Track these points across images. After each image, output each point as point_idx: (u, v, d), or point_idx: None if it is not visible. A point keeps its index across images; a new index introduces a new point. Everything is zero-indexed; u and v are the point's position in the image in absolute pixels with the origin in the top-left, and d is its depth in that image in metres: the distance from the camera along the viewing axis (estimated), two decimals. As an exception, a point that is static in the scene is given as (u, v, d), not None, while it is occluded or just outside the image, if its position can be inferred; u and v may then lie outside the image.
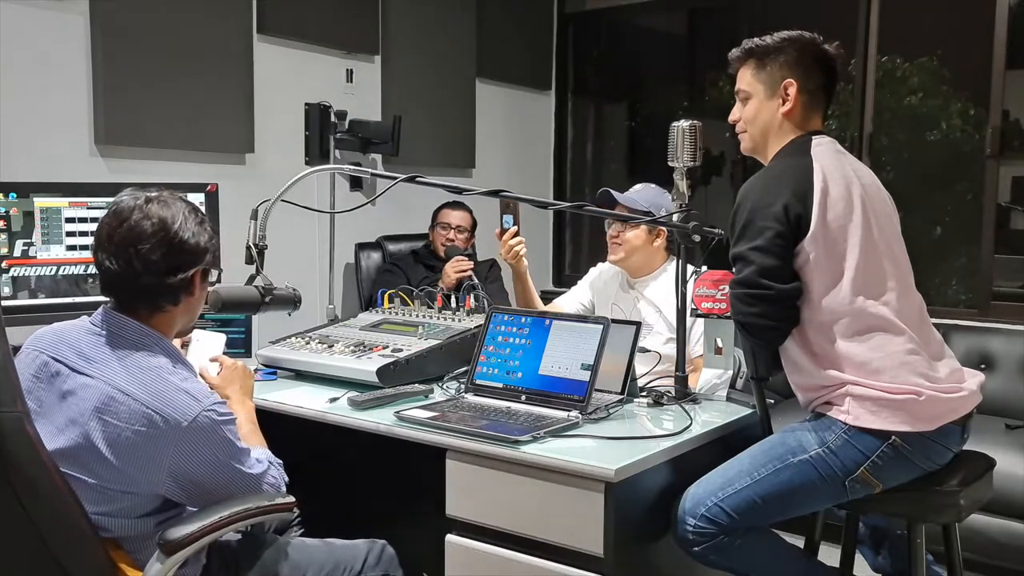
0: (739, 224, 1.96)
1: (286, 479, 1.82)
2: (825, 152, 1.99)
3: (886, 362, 1.87)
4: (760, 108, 2.08)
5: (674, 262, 2.84)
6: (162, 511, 1.68)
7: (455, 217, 4.06)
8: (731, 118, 2.15)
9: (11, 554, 1.57)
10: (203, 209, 2.87)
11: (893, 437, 1.84)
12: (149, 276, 1.65)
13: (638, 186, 2.90)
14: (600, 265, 3.06)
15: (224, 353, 2.26)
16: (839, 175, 1.95)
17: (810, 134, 2.04)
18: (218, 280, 1.96)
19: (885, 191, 2.08)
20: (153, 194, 1.69)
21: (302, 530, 2.14)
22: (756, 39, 2.09)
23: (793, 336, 1.95)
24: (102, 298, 1.73)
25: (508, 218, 2.70)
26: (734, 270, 1.98)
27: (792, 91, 2.03)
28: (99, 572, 1.59)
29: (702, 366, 2.35)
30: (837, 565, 2.26)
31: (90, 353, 1.64)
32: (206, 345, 2.17)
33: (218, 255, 1.78)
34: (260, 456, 1.78)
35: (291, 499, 1.74)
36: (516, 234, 2.71)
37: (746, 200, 1.96)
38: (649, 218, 2.65)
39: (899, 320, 1.90)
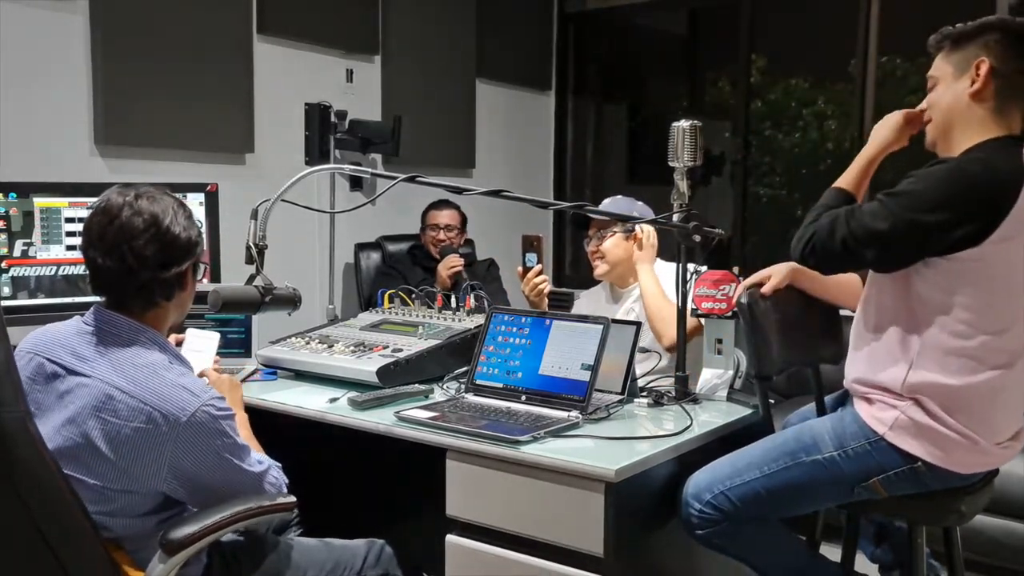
0: (909, 184, 1.73)
1: (286, 481, 1.82)
2: None
3: (978, 402, 1.76)
4: (946, 91, 1.85)
5: (657, 264, 2.86)
6: (163, 510, 1.68)
7: (444, 216, 4.06)
8: (919, 107, 1.94)
9: (13, 553, 1.57)
10: (204, 208, 2.91)
11: (920, 463, 1.78)
12: (144, 272, 1.65)
13: (608, 200, 2.89)
14: (584, 294, 3.06)
15: (220, 353, 2.27)
16: None
17: (1019, 140, 1.79)
18: (204, 276, 1.97)
19: None
20: (141, 190, 1.69)
21: (301, 530, 2.14)
22: (957, 24, 1.86)
23: (905, 328, 1.80)
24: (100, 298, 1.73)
25: (532, 256, 2.63)
26: (870, 202, 1.78)
27: (983, 69, 1.78)
28: (100, 572, 1.59)
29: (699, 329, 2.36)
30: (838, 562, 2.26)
31: (85, 353, 1.64)
32: (200, 344, 2.17)
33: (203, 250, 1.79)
34: (261, 458, 1.78)
35: (292, 499, 1.74)
36: (540, 272, 2.65)
37: (937, 175, 1.72)
38: (645, 220, 2.65)
39: (1016, 371, 1.77)
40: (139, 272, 1.64)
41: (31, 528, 1.51)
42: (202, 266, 1.80)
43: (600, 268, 2.84)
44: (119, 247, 1.63)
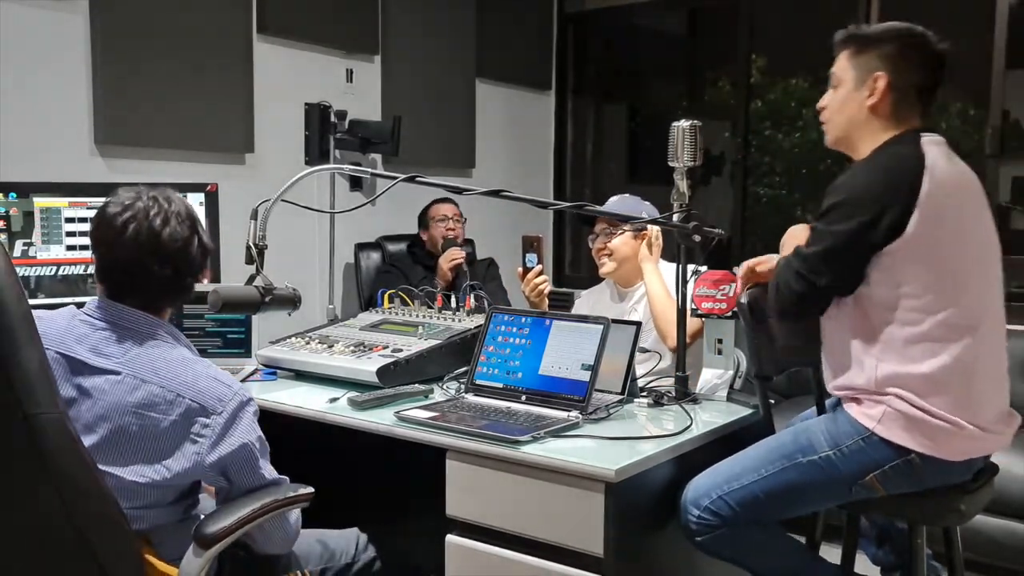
0: (831, 200, 1.85)
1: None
2: (938, 154, 1.85)
3: (949, 382, 1.80)
4: (847, 98, 1.96)
5: (662, 263, 2.85)
6: (187, 496, 1.72)
7: (449, 209, 4.07)
8: (819, 104, 2.05)
9: (52, 553, 1.57)
10: (203, 208, 2.91)
11: (913, 455, 1.80)
12: (187, 277, 1.71)
13: (614, 198, 2.88)
14: (585, 293, 3.05)
15: (221, 353, 2.28)
16: (950, 181, 1.84)
17: (917, 131, 1.90)
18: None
19: (985, 199, 1.96)
20: (165, 193, 1.71)
21: None
22: (862, 25, 1.98)
23: (863, 330, 1.87)
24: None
25: (532, 257, 2.63)
26: (808, 239, 1.90)
27: (880, 84, 1.91)
28: (135, 568, 1.61)
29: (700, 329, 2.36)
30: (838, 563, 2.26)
31: (107, 348, 1.65)
32: None
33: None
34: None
35: (311, 489, 1.77)
36: (541, 272, 2.64)
37: (852, 179, 1.85)
38: (643, 220, 2.65)
39: (977, 343, 1.82)
40: (184, 277, 1.70)
41: (70, 528, 1.52)
42: None
43: (607, 266, 2.83)
44: (168, 253, 1.66)
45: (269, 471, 1.73)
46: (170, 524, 1.69)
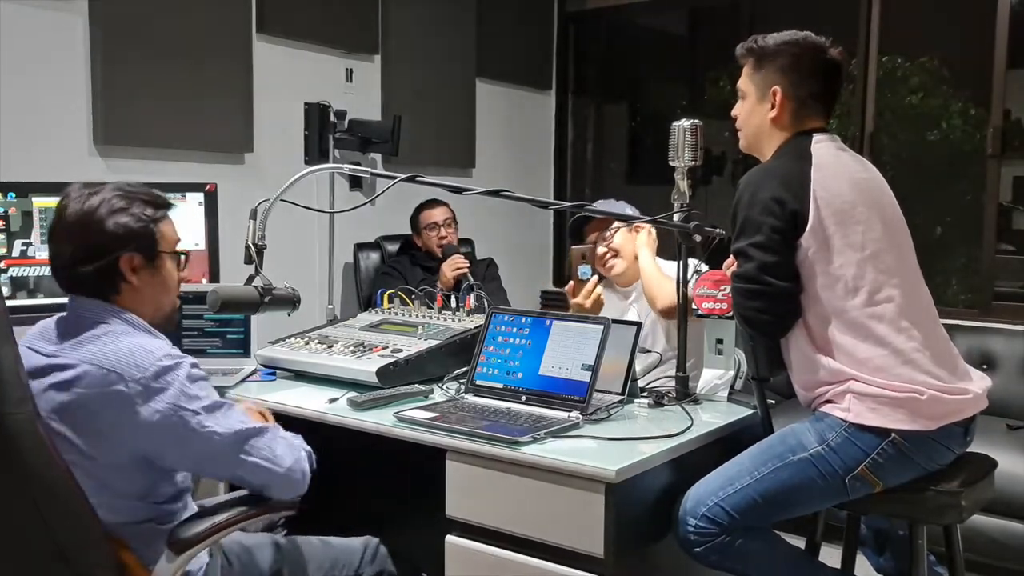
0: (739, 219, 1.96)
1: (305, 470, 1.75)
2: (825, 149, 1.99)
3: (888, 360, 1.87)
4: (752, 111, 2.09)
5: (663, 261, 2.85)
6: (152, 491, 1.67)
7: (439, 214, 4.06)
8: (732, 113, 2.16)
9: (26, 555, 1.57)
10: (203, 208, 2.91)
11: (893, 435, 1.84)
12: (66, 269, 1.68)
13: (600, 201, 2.88)
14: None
15: (219, 353, 2.27)
16: (839, 171, 1.96)
17: (810, 132, 2.03)
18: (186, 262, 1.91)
19: (888, 187, 2.06)
20: (88, 188, 1.71)
21: (285, 530, 2.14)
22: (760, 37, 2.09)
23: (797, 331, 1.96)
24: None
25: (586, 269, 2.54)
26: (735, 264, 1.99)
27: (778, 98, 2.03)
28: (111, 571, 1.59)
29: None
30: (838, 566, 2.26)
31: (57, 338, 1.66)
32: None
33: (158, 239, 1.74)
34: (283, 434, 1.74)
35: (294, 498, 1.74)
36: (597, 283, 2.56)
37: (744, 195, 1.96)
38: (645, 219, 2.64)
39: (903, 317, 1.90)
40: (62, 269, 1.69)
41: (43, 530, 1.51)
42: (177, 256, 1.79)
43: (618, 265, 2.82)
44: (56, 243, 1.69)
45: (226, 425, 1.62)
46: (140, 522, 1.65)
